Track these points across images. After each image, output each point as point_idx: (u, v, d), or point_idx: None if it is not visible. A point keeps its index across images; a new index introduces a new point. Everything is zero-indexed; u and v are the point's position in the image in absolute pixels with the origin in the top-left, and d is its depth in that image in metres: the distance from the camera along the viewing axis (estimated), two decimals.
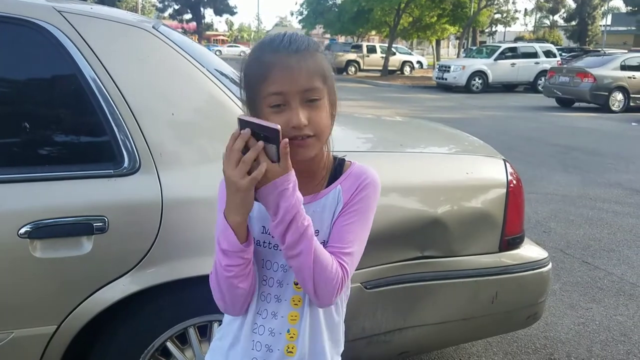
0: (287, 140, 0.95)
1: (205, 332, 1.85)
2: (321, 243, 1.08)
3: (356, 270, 1.89)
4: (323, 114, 1.04)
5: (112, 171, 1.65)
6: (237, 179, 0.95)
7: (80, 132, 1.74)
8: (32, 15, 1.65)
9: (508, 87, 20.09)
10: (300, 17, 34.31)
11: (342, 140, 2.39)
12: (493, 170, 2.21)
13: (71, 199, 1.61)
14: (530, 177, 6.53)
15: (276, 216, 0.98)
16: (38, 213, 1.56)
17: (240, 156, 0.95)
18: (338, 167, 1.14)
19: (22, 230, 1.53)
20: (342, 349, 1.22)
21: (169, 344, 1.80)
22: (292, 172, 0.98)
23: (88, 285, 1.63)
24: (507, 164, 2.25)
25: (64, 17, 1.68)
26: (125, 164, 1.65)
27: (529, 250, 2.29)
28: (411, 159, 2.18)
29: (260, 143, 0.95)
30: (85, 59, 1.66)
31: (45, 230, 1.56)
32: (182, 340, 1.83)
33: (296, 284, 1.09)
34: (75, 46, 1.65)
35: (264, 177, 0.96)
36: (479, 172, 2.20)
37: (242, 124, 0.97)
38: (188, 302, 1.77)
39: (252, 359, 1.13)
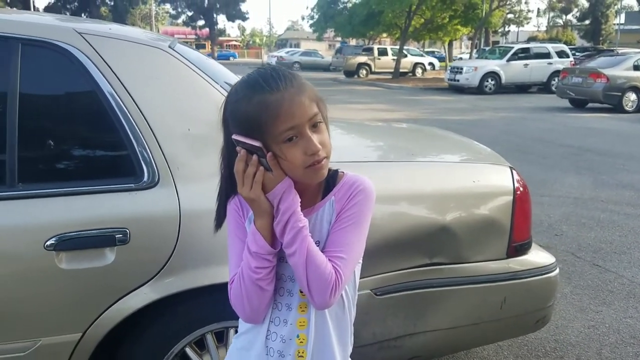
0: (270, 153, 1.08)
1: (222, 338, 1.93)
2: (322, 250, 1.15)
3: (366, 277, 1.97)
4: (326, 134, 1.13)
5: (132, 185, 1.73)
6: (247, 193, 1.11)
7: (102, 148, 1.82)
8: (54, 38, 1.73)
9: (521, 88, 20.02)
10: (311, 22, 34.45)
11: (352, 148, 2.46)
12: (500, 178, 2.26)
13: (94, 212, 1.69)
14: (542, 180, 6.54)
15: (277, 216, 1.11)
16: (63, 226, 1.64)
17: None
18: (331, 179, 1.20)
19: (48, 243, 1.62)
20: (350, 350, 1.29)
21: (188, 350, 1.87)
22: (287, 179, 1.11)
23: (111, 294, 1.71)
24: (513, 171, 2.29)
25: (84, 38, 1.76)
26: (145, 178, 1.73)
27: (537, 256, 2.33)
28: (419, 168, 2.23)
29: (255, 157, 1.10)
30: (105, 78, 1.74)
31: (70, 243, 1.64)
32: (200, 346, 1.91)
33: (301, 291, 1.16)
34: (96, 66, 1.74)
35: (265, 186, 1.10)
36: (486, 180, 2.25)
37: (236, 143, 1.12)
38: (206, 309, 1.84)
39: None
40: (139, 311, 1.74)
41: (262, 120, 1.07)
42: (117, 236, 1.67)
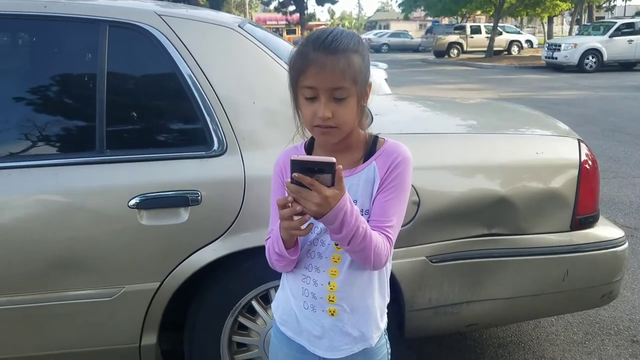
0: (341, 166, 1.08)
1: None
2: (360, 210, 1.23)
3: (421, 244, 2.04)
4: (347, 110, 1.19)
5: (204, 153, 1.92)
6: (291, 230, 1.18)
7: (178, 120, 2.02)
8: (137, 20, 1.94)
9: (625, 66, 18.67)
10: (399, 1, 33.91)
11: (414, 121, 2.52)
12: (565, 151, 2.23)
13: (171, 176, 1.90)
14: (638, 161, 6.18)
15: (340, 233, 1.14)
16: (145, 187, 1.86)
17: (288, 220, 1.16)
18: (372, 145, 1.29)
19: (132, 202, 1.84)
20: (387, 300, 1.39)
21: (254, 303, 2.05)
22: (345, 194, 1.11)
23: (185, 249, 1.91)
24: (581, 144, 2.25)
25: (163, 20, 1.96)
26: (215, 147, 1.92)
27: (603, 230, 2.28)
28: (481, 139, 2.26)
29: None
30: (182, 57, 1.93)
31: (151, 202, 1.86)
32: (266, 300, 2.08)
33: (337, 244, 1.26)
34: (173, 45, 1.93)
35: (326, 203, 1.08)
36: (551, 152, 2.22)
37: (296, 164, 1.08)
38: (269, 267, 2.00)
39: (302, 302, 1.34)
40: (210, 265, 1.93)
41: (295, 69, 1.20)
42: (190, 197, 1.86)
